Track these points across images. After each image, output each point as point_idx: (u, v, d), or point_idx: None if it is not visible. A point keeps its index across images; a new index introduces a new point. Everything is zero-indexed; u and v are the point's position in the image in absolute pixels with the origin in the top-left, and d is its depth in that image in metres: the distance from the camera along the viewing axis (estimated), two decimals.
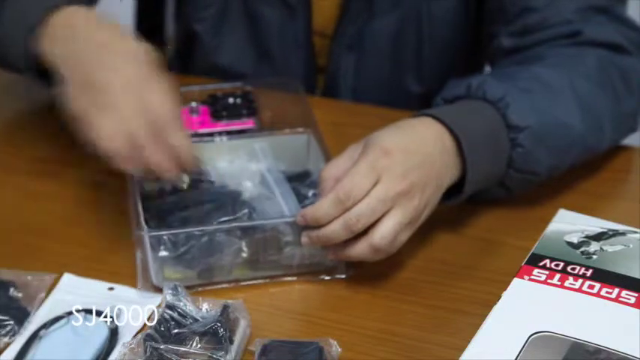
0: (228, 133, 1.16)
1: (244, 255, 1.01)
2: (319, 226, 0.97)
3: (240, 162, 1.12)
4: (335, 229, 0.96)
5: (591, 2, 1.17)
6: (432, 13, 1.26)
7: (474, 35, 1.30)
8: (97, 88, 1.00)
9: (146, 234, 0.98)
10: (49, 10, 1.08)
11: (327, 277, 1.03)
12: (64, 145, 1.21)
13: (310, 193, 1.09)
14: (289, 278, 1.02)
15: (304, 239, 0.99)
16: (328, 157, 1.08)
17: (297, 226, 0.99)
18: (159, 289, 0.99)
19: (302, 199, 1.07)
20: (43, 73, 1.10)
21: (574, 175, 1.17)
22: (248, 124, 1.19)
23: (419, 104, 1.21)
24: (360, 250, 0.97)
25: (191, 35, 1.35)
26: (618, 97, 1.14)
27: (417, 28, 1.27)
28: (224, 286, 1.01)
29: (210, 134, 1.16)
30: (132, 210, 1.04)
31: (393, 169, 0.97)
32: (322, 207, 0.97)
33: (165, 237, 0.98)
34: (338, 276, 1.03)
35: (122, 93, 1.00)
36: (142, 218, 0.99)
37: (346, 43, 1.29)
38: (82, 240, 1.08)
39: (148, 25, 1.54)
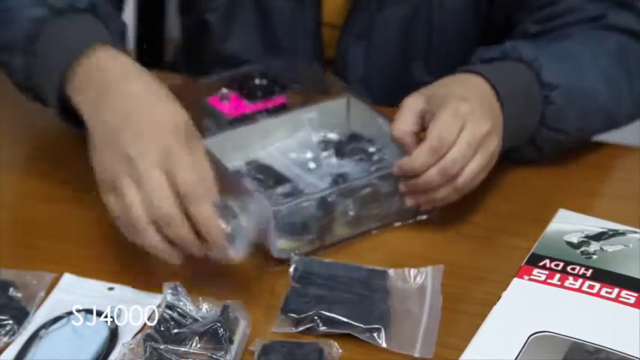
0: (267, 111, 1.19)
1: (351, 213, 1.05)
2: (415, 175, 1.04)
3: (299, 135, 1.17)
4: (432, 176, 1.04)
5: None
6: (443, 2, 1.27)
7: (483, 24, 1.31)
8: (126, 156, 0.96)
9: (270, 209, 1.00)
10: (80, 52, 1.03)
11: (411, 221, 1.09)
12: (65, 146, 1.21)
13: (372, 149, 1.15)
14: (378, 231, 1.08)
15: (402, 187, 1.06)
16: (379, 113, 1.15)
17: (392, 178, 1.06)
18: (158, 289, 0.99)
19: (369, 156, 1.14)
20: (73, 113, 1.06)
21: (574, 175, 1.17)
22: (280, 100, 1.21)
23: None
24: (444, 192, 1.05)
25: (201, 26, 1.35)
26: (633, 79, 1.20)
27: (428, 17, 1.28)
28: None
29: (251, 116, 1.18)
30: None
31: (474, 113, 1.05)
32: (419, 157, 1.03)
33: (283, 210, 1.01)
34: (420, 217, 1.10)
35: (153, 167, 0.95)
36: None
37: (356, 33, 1.30)
38: (82, 240, 1.08)
39: (149, 24, 1.54)
